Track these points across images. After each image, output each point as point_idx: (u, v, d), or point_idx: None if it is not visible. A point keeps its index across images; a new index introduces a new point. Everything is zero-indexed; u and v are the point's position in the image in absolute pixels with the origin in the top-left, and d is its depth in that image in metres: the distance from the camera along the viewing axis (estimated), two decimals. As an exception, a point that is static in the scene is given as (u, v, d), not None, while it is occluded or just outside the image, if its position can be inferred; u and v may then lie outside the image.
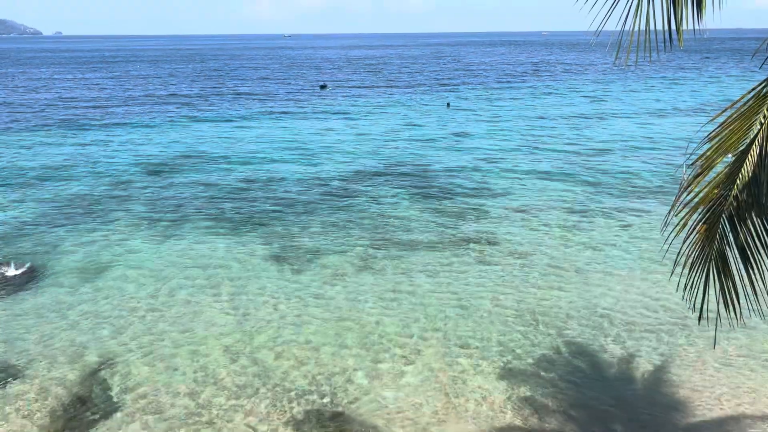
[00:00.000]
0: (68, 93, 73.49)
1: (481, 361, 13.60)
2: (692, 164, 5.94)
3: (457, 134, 43.09)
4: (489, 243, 20.95)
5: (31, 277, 18.43)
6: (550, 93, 69.67)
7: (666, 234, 6.06)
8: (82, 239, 21.70)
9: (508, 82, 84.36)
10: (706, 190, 5.82)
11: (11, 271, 18.75)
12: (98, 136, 43.68)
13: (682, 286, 6.03)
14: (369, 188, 28.43)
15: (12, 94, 72.65)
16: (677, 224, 5.94)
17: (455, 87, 77.52)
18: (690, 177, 5.88)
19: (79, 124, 48.91)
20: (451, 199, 26.55)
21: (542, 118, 50.73)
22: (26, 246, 21.08)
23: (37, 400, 12.34)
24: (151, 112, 56.30)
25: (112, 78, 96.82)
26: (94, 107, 59.81)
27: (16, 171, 32.53)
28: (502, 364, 13.46)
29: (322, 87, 77.54)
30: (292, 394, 12.47)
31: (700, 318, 6.07)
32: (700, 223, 5.83)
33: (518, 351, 14.01)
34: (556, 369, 13.31)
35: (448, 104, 60.00)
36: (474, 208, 25.06)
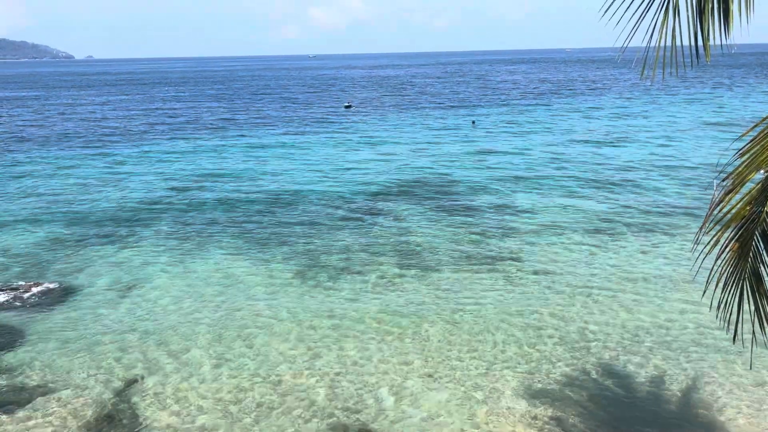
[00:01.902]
0: (97, 115, 75.20)
1: (508, 379, 13.42)
2: (723, 180, 5.81)
3: (482, 152, 43.02)
4: (515, 261, 20.76)
5: (61, 295, 18.75)
6: (574, 110, 69.30)
7: (697, 252, 5.92)
8: (112, 258, 22.04)
9: (533, 99, 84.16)
10: (738, 206, 5.68)
11: (42, 289, 19.08)
12: (126, 156, 44.53)
13: (715, 305, 5.88)
14: (394, 206, 28.46)
15: (43, 116, 74.53)
16: (709, 242, 5.80)
17: (480, 105, 77.54)
18: (721, 193, 5.75)
19: (108, 146, 49.94)
20: (476, 217, 26.43)
21: (567, 135, 50.42)
22: (56, 265, 21.47)
23: (67, 416, 12.48)
24: (178, 133, 57.28)
25: (140, 100, 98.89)
26: (123, 129, 61.07)
27: (48, 191, 33.26)
28: (529, 383, 13.26)
29: (347, 107, 78.18)
30: (319, 410, 12.43)
31: (734, 338, 5.91)
32: (733, 241, 5.69)
33: (546, 369, 13.80)
34: (584, 388, 13.07)
35: (473, 122, 59.98)
36: (499, 227, 24.89)
